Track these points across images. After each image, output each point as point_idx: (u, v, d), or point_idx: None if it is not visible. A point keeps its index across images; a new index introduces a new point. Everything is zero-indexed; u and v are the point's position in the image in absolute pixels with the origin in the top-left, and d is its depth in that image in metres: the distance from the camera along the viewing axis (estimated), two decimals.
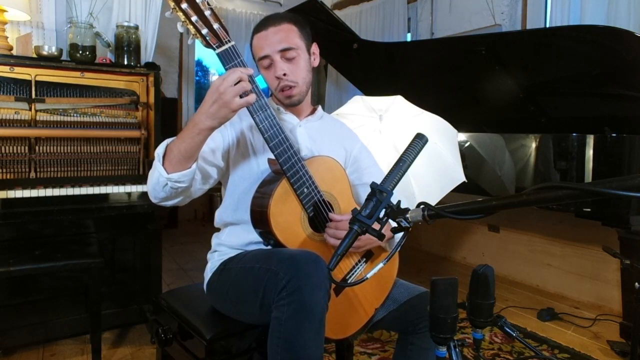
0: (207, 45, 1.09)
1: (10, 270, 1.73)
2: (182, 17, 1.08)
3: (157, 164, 1.10)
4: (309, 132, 1.37)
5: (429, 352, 1.23)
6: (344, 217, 1.19)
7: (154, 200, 1.16)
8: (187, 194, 1.18)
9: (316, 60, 1.37)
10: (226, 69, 1.10)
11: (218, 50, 1.09)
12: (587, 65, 2.25)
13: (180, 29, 1.11)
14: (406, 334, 1.32)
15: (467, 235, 3.63)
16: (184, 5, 1.06)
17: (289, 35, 1.27)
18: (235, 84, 1.03)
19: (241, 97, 1.04)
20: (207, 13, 1.08)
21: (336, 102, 4.36)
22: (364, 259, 1.31)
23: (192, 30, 1.09)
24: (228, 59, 1.10)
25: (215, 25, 1.09)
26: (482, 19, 3.41)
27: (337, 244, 1.14)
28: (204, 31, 1.08)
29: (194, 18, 1.07)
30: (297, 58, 1.27)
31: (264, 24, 1.28)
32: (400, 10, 4.01)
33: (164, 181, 1.09)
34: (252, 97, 1.06)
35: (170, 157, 1.09)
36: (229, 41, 1.10)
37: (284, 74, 1.26)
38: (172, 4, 1.07)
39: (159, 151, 1.11)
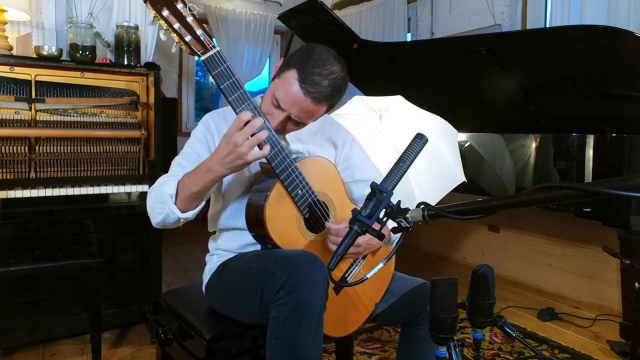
0: (191, 52, 1.08)
1: (10, 270, 1.73)
2: (165, 25, 1.06)
3: (169, 203, 1.14)
4: (298, 133, 1.35)
5: (433, 342, 1.24)
6: (340, 225, 1.19)
7: (156, 226, 1.22)
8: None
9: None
10: (212, 76, 1.09)
11: (203, 57, 1.08)
12: (587, 65, 2.25)
13: (163, 37, 1.09)
14: (408, 326, 1.33)
15: (467, 235, 3.63)
16: (165, 13, 1.05)
17: (312, 117, 1.21)
18: (252, 134, 1.05)
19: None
20: (190, 19, 1.07)
21: None
22: (362, 256, 1.31)
23: (176, 38, 1.07)
24: (213, 66, 1.08)
25: (199, 32, 1.07)
26: (482, 19, 3.41)
27: None
28: (187, 38, 1.07)
29: (176, 25, 1.06)
30: (302, 126, 1.24)
31: (311, 86, 1.13)
32: (400, 10, 4.00)
33: (175, 218, 1.15)
34: (266, 149, 1.09)
35: (182, 197, 1.14)
36: (213, 47, 1.08)
37: (279, 130, 1.22)
38: (153, 12, 1.05)
39: (171, 191, 1.15)
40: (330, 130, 1.45)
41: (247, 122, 1.05)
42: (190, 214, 1.16)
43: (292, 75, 1.14)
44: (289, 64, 1.16)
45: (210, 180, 1.11)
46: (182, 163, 1.23)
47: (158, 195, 1.17)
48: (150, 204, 1.19)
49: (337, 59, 1.21)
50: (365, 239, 1.19)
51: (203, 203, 1.19)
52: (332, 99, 1.19)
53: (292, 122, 1.21)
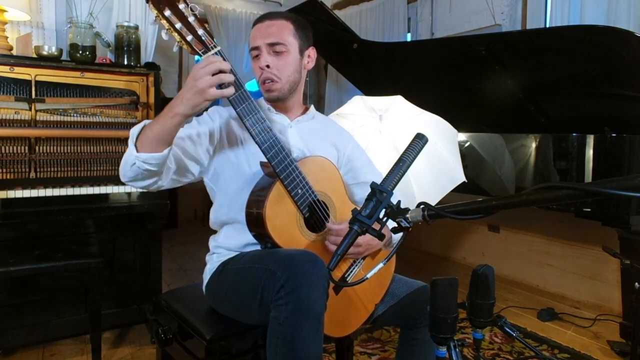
0: (193, 51, 1.08)
1: (10, 270, 1.73)
2: (166, 25, 1.06)
3: (129, 144, 1.09)
4: (300, 133, 1.36)
5: (432, 345, 1.24)
6: (342, 225, 1.19)
7: (122, 179, 1.15)
8: (157, 179, 1.16)
9: (310, 64, 1.37)
10: None
11: (204, 57, 1.09)
12: (587, 65, 2.25)
13: (165, 36, 1.10)
14: (407, 329, 1.33)
15: (467, 235, 3.63)
16: (167, 13, 1.05)
17: (281, 30, 1.28)
18: (215, 74, 1.03)
19: (221, 87, 1.05)
20: (191, 19, 1.07)
21: (336, 102, 4.35)
22: (362, 256, 1.31)
23: (177, 37, 1.07)
24: None
25: (200, 31, 1.08)
26: (482, 19, 3.41)
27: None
28: (189, 38, 1.07)
29: (178, 25, 1.06)
30: (285, 54, 1.28)
31: (262, 17, 1.32)
32: (400, 10, 4.00)
33: (132, 160, 1.08)
34: (229, 90, 1.07)
35: (143, 138, 1.08)
36: (215, 46, 1.09)
37: (267, 66, 1.26)
38: (155, 12, 1.05)
39: (134, 131, 1.11)
40: (332, 132, 1.45)
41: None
42: (145, 157, 1.06)
43: (251, 32, 1.32)
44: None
45: (170, 118, 1.06)
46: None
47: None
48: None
49: None
50: (365, 239, 1.20)
51: (165, 152, 1.09)
52: (288, 16, 1.32)
53: (274, 54, 1.27)
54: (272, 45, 1.26)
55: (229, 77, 1.05)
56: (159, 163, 1.10)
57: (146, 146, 1.08)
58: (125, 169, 1.11)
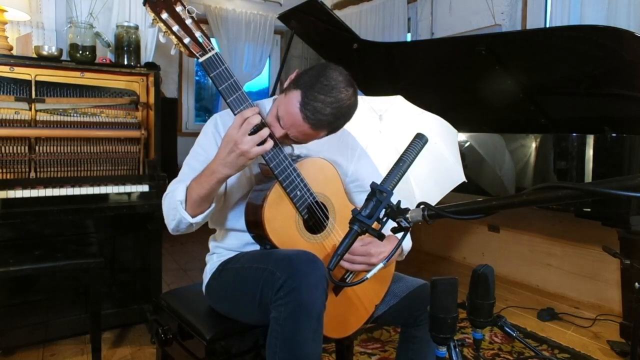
0: (190, 54, 1.08)
1: (10, 270, 1.73)
2: (164, 28, 1.06)
3: (179, 209, 1.16)
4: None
5: (432, 344, 1.24)
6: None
7: (172, 232, 1.23)
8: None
9: None
10: (210, 77, 1.09)
11: (201, 59, 1.09)
12: (587, 65, 2.25)
13: (162, 39, 1.10)
14: (407, 327, 1.33)
15: (467, 235, 3.63)
16: (164, 15, 1.05)
17: (311, 140, 1.20)
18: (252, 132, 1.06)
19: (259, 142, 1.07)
20: (189, 22, 1.07)
21: None
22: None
23: (174, 40, 1.07)
24: (212, 68, 1.09)
25: (197, 34, 1.08)
26: (482, 19, 3.41)
27: (354, 268, 1.19)
28: (186, 40, 1.07)
29: (175, 28, 1.06)
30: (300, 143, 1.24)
31: (311, 113, 1.09)
32: (400, 10, 4.01)
33: (187, 223, 1.17)
34: (269, 144, 1.09)
35: (191, 202, 1.16)
36: (212, 49, 1.09)
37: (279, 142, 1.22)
38: (152, 15, 1.05)
39: (180, 197, 1.16)
40: (339, 140, 1.43)
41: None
42: (201, 218, 1.17)
43: (295, 97, 1.10)
44: (297, 83, 1.12)
45: (215, 183, 1.12)
46: (191, 163, 1.25)
47: (170, 202, 1.19)
48: (165, 211, 1.22)
49: (348, 84, 1.13)
50: (380, 258, 1.19)
51: (213, 206, 1.19)
52: (331, 126, 1.15)
53: (291, 139, 1.19)
54: (294, 140, 1.19)
55: (266, 132, 1.08)
56: (210, 216, 1.21)
57: (196, 208, 1.17)
58: (179, 227, 1.20)
